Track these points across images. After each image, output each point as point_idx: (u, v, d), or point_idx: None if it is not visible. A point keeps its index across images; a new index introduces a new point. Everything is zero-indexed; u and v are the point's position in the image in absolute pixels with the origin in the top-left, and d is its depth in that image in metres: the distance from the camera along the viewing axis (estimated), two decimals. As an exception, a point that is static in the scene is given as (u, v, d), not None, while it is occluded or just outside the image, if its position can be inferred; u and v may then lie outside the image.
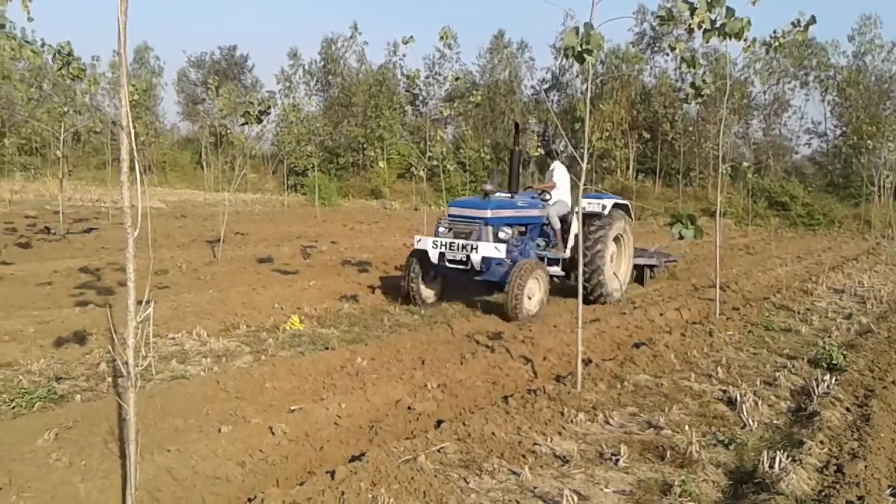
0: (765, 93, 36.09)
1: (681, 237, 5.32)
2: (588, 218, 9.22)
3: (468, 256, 8.07)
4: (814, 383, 5.43)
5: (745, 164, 26.14)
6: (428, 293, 8.87)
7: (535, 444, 4.19)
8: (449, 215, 8.80)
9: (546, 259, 9.13)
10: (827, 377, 5.55)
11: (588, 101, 5.55)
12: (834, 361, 6.15)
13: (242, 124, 11.15)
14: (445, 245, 8.22)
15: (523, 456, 4.00)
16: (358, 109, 39.52)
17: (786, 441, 4.41)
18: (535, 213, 9.24)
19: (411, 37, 11.78)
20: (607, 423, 4.67)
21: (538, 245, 9.35)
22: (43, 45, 10.23)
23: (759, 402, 5.06)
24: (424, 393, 5.17)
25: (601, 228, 9.18)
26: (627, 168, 36.31)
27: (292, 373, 5.44)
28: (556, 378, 5.75)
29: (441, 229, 8.65)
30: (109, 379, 5.25)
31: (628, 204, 10.14)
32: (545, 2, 4.93)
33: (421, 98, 40.59)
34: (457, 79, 18.26)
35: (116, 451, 3.78)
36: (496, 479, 3.72)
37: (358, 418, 4.66)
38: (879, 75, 33.89)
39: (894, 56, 33.45)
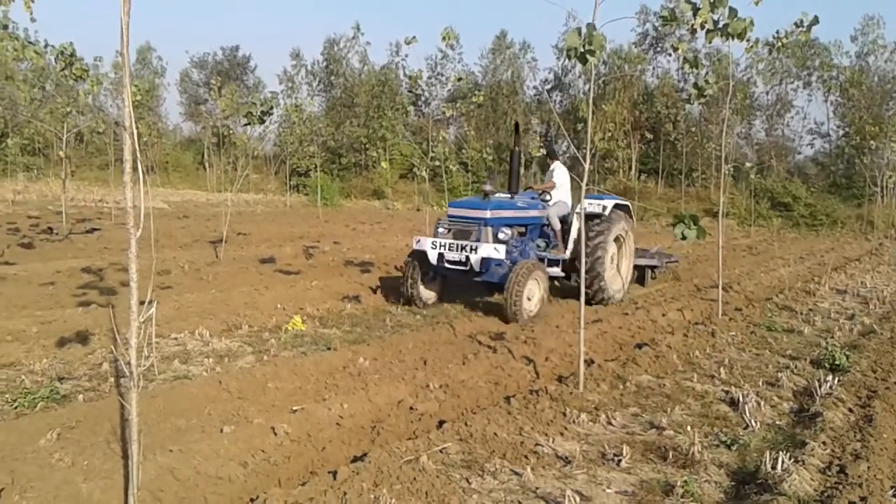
0: (767, 93, 36.14)
1: (683, 238, 5.31)
2: (588, 219, 9.19)
3: (467, 257, 8.04)
4: (816, 384, 5.43)
5: (747, 164, 26.09)
6: (428, 294, 8.86)
7: (537, 444, 4.19)
8: (448, 216, 8.76)
9: (546, 260, 9.11)
10: (829, 378, 5.54)
11: (590, 101, 5.56)
12: (836, 362, 6.14)
13: (245, 125, 11.16)
14: (444, 246, 8.20)
15: (525, 456, 4.00)
16: (360, 110, 39.57)
17: (788, 442, 4.40)
18: (534, 213, 9.21)
19: (414, 37, 11.79)
20: (609, 423, 4.67)
21: (538, 246, 9.31)
22: (46, 45, 10.28)
23: (762, 403, 5.05)
24: (426, 393, 5.17)
25: (601, 230, 9.16)
26: (630, 168, 36.29)
27: (294, 373, 5.44)
28: (559, 378, 5.74)
29: (440, 230, 8.62)
30: (112, 379, 5.25)
31: (629, 204, 10.12)
32: (548, 2, 4.93)
33: (423, 98, 40.58)
34: (459, 79, 18.27)
35: (119, 451, 3.78)
36: (498, 479, 3.72)
37: (360, 419, 4.66)
38: (882, 76, 33.85)
39: (897, 56, 33.44)
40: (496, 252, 7.93)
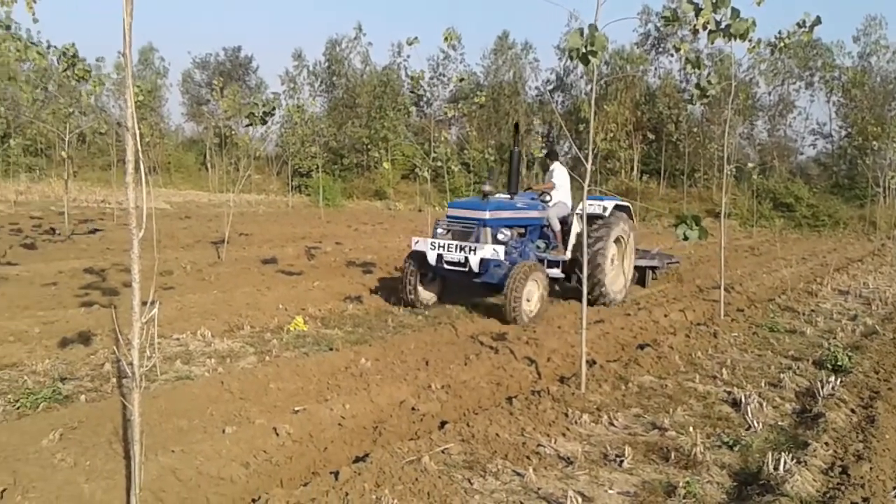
0: (770, 94, 36.14)
1: (685, 238, 5.30)
2: (589, 220, 9.15)
3: (466, 258, 8.01)
4: (819, 385, 5.42)
5: (749, 165, 26.06)
6: (427, 295, 8.85)
7: (539, 445, 4.19)
8: (447, 216, 8.73)
9: (546, 261, 9.08)
10: (832, 379, 5.54)
11: (592, 102, 5.57)
12: (839, 363, 6.13)
13: (247, 125, 11.17)
14: (443, 246, 8.19)
15: (527, 457, 4.00)
16: (362, 110, 39.62)
17: (790, 442, 4.39)
18: (534, 214, 9.19)
19: (416, 38, 11.77)
20: (611, 424, 4.66)
21: (538, 247, 9.27)
22: (48, 46, 10.30)
23: (764, 404, 5.05)
24: (428, 394, 5.17)
25: (602, 231, 9.13)
26: (632, 169, 36.30)
27: (296, 374, 5.45)
28: (560, 379, 5.74)
29: (439, 230, 8.60)
30: (114, 379, 5.26)
31: (629, 205, 10.09)
32: (549, 3, 4.93)
33: (425, 99, 40.56)
34: (461, 80, 18.26)
35: (121, 452, 3.79)
36: (500, 480, 3.72)
37: (362, 419, 4.67)
38: (885, 76, 33.87)
39: (899, 57, 33.42)
40: (495, 253, 7.89)
